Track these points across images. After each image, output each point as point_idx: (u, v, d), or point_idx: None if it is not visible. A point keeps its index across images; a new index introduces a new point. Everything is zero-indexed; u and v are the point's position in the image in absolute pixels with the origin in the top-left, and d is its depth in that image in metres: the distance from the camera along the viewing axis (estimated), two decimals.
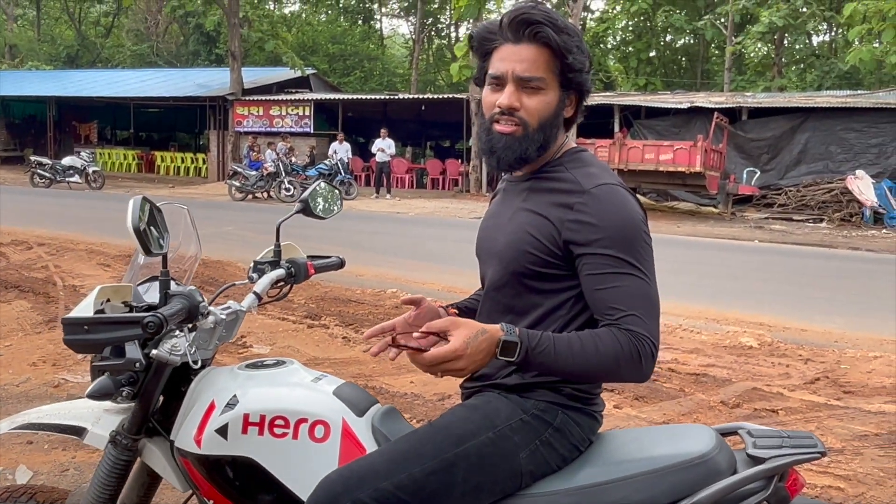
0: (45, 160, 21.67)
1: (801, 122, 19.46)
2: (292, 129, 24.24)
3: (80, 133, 31.42)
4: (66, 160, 21.34)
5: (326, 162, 20.27)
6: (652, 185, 19.03)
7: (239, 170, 19.89)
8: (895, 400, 4.42)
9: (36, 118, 31.82)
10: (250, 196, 19.38)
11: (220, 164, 25.60)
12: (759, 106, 20.56)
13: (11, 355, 4.82)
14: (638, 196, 1.56)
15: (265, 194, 19.55)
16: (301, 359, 2.01)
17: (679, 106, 20.63)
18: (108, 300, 1.67)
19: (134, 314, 1.56)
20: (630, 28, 36.83)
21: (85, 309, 1.61)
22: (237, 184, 19.39)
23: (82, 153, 22.14)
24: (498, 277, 1.60)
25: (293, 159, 20.64)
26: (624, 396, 4.35)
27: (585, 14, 35.47)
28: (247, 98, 25.67)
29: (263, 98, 25.97)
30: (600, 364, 1.42)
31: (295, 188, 18.42)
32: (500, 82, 1.53)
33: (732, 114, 20.14)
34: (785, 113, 19.83)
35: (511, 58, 1.51)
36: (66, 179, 20.80)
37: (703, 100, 21.00)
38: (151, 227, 1.57)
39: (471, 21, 22.50)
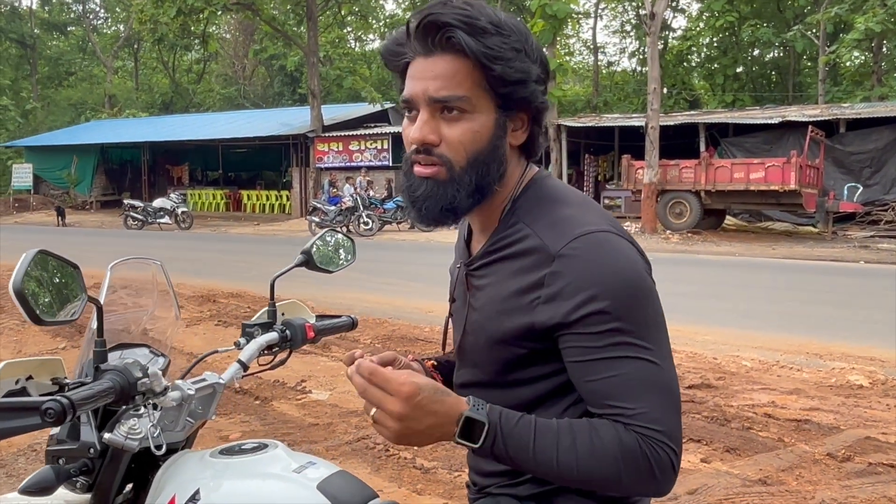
0: (137, 203, 22.76)
1: None
2: (371, 164, 24.64)
3: (173, 175, 33.19)
4: (157, 202, 22.38)
5: None
6: (742, 205, 18.62)
7: (318, 206, 20.42)
8: None
9: (132, 163, 33.61)
10: None
11: (303, 200, 26.23)
12: (859, 117, 19.80)
13: None
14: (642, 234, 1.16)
15: (344, 229, 19.80)
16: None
17: (770, 121, 20.25)
18: (31, 377, 1.38)
19: (32, 399, 1.20)
20: (714, 44, 35.92)
21: None
22: (317, 220, 19.84)
23: (172, 195, 23.19)
24: (470, 377, 1.26)
25: (371, 193, 20.89)
26: (713, 448, 3.86)
27: (666, 33, 34.74)
28: (327, 135, 26.31)
29: (342, 134, 26.56)
30: (594, 469, 1.02)
31: (373, 221, 18.69)
32: (412, 108, 1.14)
33: (829, 127, 19.50)
34: (887, 123, 19.01)
35: (422, 75, 1.11)
36: (157, 221, 21.73)
37: (795, 114, 20.42)
38: (46, 288, 1.24)
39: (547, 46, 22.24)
